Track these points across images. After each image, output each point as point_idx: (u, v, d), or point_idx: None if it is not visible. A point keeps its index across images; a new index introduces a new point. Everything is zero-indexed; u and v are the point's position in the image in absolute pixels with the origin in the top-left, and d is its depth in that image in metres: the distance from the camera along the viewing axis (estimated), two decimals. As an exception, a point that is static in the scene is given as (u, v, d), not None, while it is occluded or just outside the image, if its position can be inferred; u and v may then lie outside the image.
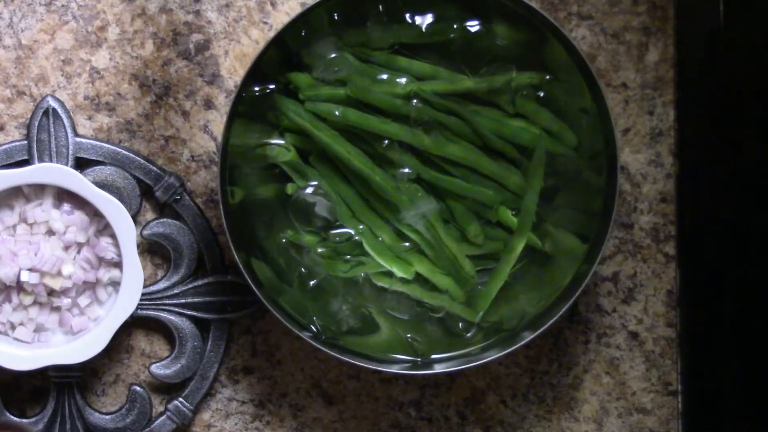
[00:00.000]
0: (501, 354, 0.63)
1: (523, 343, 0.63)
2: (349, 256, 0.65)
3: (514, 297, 0.65)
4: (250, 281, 0.63)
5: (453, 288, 0.65)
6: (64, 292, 0.65)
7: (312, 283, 0.65)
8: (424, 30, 0.64)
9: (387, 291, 0.65)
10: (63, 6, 0.68)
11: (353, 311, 0.65)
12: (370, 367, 0.63)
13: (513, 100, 0.64)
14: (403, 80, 0.64)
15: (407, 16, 0.64)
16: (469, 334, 0.65)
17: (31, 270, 0.64)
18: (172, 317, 0.68)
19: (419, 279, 0.65)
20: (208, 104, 0.69)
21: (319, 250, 0.65)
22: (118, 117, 0.69)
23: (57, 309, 0.66)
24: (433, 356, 0.65)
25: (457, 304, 0.65)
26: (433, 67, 0.64)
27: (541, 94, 0.65)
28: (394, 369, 0.64)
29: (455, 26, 0.64)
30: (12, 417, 0.68)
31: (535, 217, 0.64)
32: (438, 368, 0.64)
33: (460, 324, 0.65)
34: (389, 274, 0.65)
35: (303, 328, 0.64)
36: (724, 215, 0.70)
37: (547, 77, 0.64)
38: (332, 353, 0.63)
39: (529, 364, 0.70)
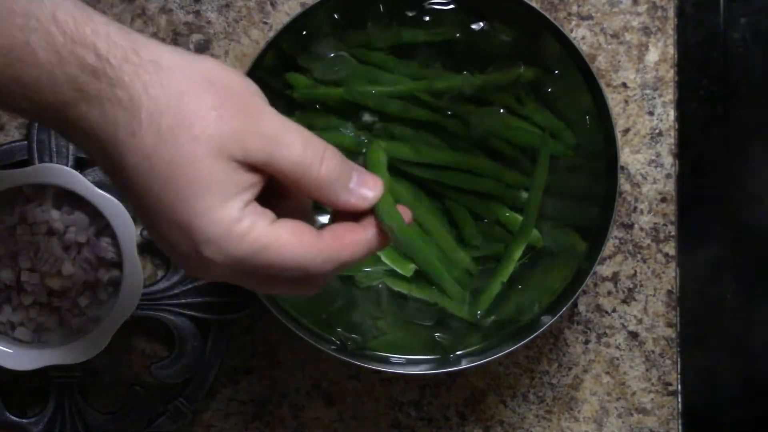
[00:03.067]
0: (501, 354, 0.63)
1: (523, 343, 0.63)
2: (369, 269, 0.65)
3: (515, 296, 0.65)
4: (250, 281, 0.63)
5: (453, 287, 0.65)
6: (64, 292, 0.65)
7: (336, 300, 0.65)
8: (424, 30, 0.64)
9: (407, 299, 0.65)
10: (63, 6, 0.68)
11: (375, 321, 0.65)
12: (370, 367, 0.63)
13: (520, 98, 0.64)
14: (401, 81, 0.64)
15: (408, 16, 0.64)
16: (486, 322, 0.65)
17: (31, 270, 0.64)
18: (172, 317, 0.68)
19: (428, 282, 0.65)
20: (208, 104, 0.69)
21: None
22: (118, 117, 0.69)
23: (57, 309, 0.66)
24: (457, 352, 0.65)
25: (458, 303, 0.65)
26: (432, 68, 0.64)
27: (542, 95, 0.65)
28: (394, 369, 0.64)
29: (455, 27, 0.64)
30: (12, 417, 0.68)
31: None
32: (465, 363, 0.63)
33: (478, 313, 0.65)
34: (407, 280, 0.65)
35: (326, 342, 0.64)
36: (724, 215, 0.70)
37: (548, 77, 0.64)
38: (333, 353, 0.63)
39: (529, 364, 0.70)
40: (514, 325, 0.65)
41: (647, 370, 0.70)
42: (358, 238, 0.48)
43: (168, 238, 0.45)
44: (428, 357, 0.65)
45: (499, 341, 0.65)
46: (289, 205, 0.49)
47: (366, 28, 0.64)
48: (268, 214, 0.46)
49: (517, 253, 0.65)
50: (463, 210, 0.65)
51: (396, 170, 0.64)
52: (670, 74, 0.69)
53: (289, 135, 0.46)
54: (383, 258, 0.65)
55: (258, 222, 0.45)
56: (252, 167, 0.45)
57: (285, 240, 0.46)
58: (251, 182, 0.46)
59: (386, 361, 0.65)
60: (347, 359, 0.63)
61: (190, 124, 0.44)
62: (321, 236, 0.47)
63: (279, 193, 0.48)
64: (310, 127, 0.65)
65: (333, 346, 0.64)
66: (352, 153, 0.63)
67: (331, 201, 0.48)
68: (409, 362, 0.65)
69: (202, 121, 0.44)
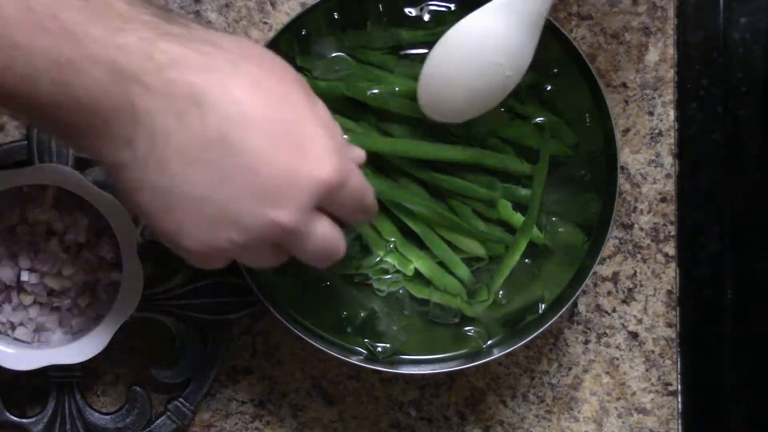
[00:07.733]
0: (501, 354, 0.63)
1: (523, 343, 0.63)
2: (389, 276, 0.65)
3: (515, 295, 0.65)
4: (250, 281, 0.63)
5: (454, 285, 0.65)
6: (64, 292, 0.65)
7: (359, 312, 0.65)
8: (424, 30, 0.64)
9: (429, 304, 0.65)
10: (63, 6, 0.68)
11: (401, 327, 0.65)
12: (370, 367, 0.63)
13: (520, 97, 0.64)
14: (401, 81, 0.64)
15: (407, 17, 0.64)
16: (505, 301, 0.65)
17: (31, 270, 0.64)
18: (172, 318, 0.68)
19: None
20: (208, 104, 0.69)
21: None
22: (118, 117, 0.69)
23: (57, 309, 0.66)
24: (445, 354, 0.65)
25: (460, 300, 0.65)
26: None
27: (542, 94, 0.65)
28: (394, 369, 0.64)
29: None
30: (12, 417, 0.68)
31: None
32: (497, 352, 0.63)
33: (500, 293, 0.65)
34: (427, 285, 0.65)
35: (352, 353, 0.64)
36: (724, 215, 0.70)
37: (547, 77, 0.64)
38: (332, 353, 0.63)
39: (529, 364, 0.70)
40: (513, 325, 0.65)
41: (647, 370, 0.70)
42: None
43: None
44: (457, 353, 0.65)
45: (496, 342, 0.65)
46: None
47: (366, 28, 0.64)
48: None
49: (520, 250, 0.65)
50: (468, 210, 0.65)
51: (398, 171, 0.64)
52: (670, 74, 0.69)
53: None
54: (389, 259, 0.65)
55: None
56: None
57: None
58: None
59: (394, 363, 0.65)
60: (379, 368, 0.63)
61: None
62: None
63: None
64: None
65: (360, 356, 0.64)
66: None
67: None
68: (436, 360, 0.65)
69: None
